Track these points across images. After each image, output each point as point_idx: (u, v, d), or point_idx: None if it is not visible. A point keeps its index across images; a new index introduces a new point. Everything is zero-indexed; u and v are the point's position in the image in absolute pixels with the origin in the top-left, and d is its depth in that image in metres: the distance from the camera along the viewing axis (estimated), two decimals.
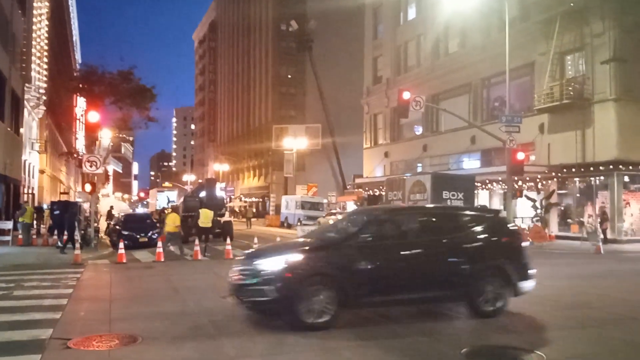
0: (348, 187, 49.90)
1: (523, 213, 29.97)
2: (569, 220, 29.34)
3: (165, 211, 40.97)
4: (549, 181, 29.59)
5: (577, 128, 28.51)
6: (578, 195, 29.74)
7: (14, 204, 33.39)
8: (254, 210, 64.71)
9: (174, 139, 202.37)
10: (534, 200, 28.36)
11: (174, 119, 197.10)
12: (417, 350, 7.49)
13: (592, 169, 27.54)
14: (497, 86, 34.06)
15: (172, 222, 19.91)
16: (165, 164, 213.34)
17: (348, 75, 63.69)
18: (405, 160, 43.78)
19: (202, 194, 30.81)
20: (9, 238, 24.48)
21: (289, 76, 78.26)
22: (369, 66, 50.25)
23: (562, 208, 30.33)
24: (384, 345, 7.72)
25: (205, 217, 21.43)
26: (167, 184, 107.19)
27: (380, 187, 37.31)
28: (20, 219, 24.80)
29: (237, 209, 73.94)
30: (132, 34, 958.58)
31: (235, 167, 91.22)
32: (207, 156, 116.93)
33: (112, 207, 42.51)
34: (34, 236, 25.96)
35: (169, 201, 54.20)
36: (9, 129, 32.74)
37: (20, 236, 24.52)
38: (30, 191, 43.19)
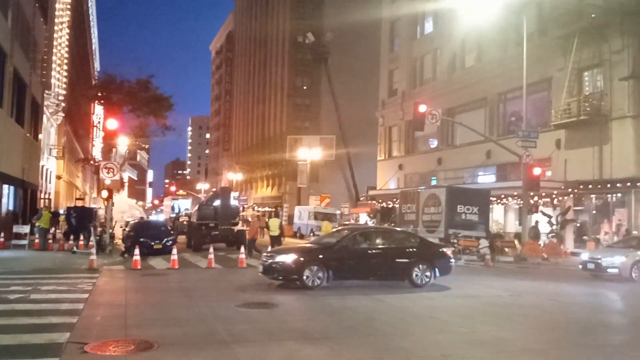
0: (361, 198, 49.84)
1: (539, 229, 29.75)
2: (584, 238, 29.04)
3: (180, 219, 41.19)
4: (565, 197, 29.35)
5: (595, 144, 28.30)
6: (594, 212, 29.48)
7: (32, 209, 33.79)
8: (267, 219, 64.64)
9: (189, 147, 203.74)
10: (549, 216, 28.12)
11: (190, 128, 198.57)
12: None
13: (609, 185, 27.24)
14: (514, 101, 33.95)
15: (274, 227, 23.34)
16: (180, 172, 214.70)
17: (363, 87, 63.67)
18: (419, 173, 43.67)
19: (217, 202, 30.90)
20: (25, 242, 24.71)
21: (304, 87, 78.41)
22: (385, 79, 50.33)
23: (578, 225, 30.05)
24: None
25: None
26: (181, 192, 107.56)
27: (394, 200, 37.22)
28: (37, 224, 25.03)
29: (249, 219, 73.85)
30: (150, 43, 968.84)
31: (249, 177, 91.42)
32: (221, 165, 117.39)
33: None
34: (50, 241, 26.12)
35: (178, 210, 54.03)
36: (28, 135, 33.17)
37: (36, 240, 24.72)
38: (47, 196, 43.67)
